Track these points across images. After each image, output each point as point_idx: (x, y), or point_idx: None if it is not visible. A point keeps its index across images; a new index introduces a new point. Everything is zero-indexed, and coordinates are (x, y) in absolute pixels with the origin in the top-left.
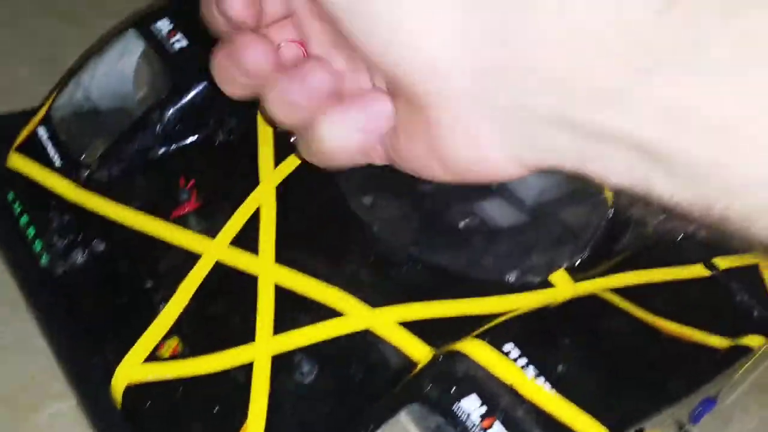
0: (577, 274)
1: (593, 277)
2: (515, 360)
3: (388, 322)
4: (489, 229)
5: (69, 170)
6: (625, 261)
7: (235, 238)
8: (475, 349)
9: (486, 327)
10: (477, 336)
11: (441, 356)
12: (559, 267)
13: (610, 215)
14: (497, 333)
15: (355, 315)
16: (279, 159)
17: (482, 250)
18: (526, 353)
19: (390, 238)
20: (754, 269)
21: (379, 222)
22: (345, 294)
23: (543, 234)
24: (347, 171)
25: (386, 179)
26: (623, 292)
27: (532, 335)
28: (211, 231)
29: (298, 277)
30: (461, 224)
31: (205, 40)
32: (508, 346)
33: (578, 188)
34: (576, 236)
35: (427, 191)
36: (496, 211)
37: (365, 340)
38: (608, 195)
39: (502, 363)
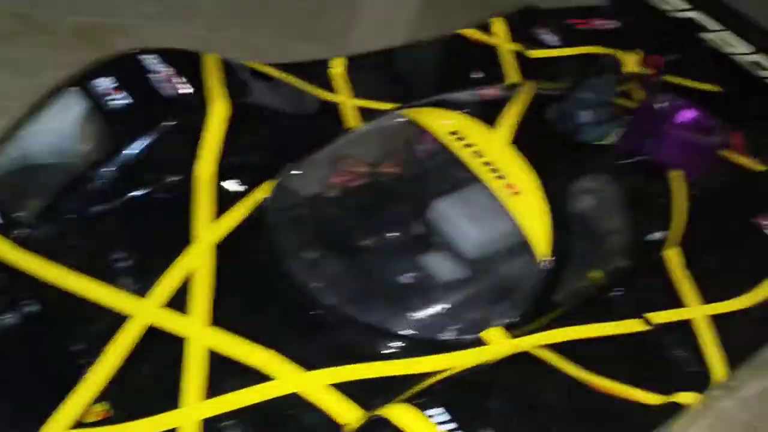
0: (512, 331)
1: (528, 333)
2: (443, 424)
3: (319, 386)
4: (426, 285)
5: (5, 229)
6: (561, 317)
7: (168, 298)
8: (402, 415)
9: (417, 389)
10: (407, 399)
11: (366, 423)
12: (494, 325)
13: (546, 272)
14: (427, 396)
15: (285, 378)
16: (217, 217)
17: (417, 307)
18: (455, 418)
19: (325, 297)
20: (687, 325)
21: (316, 281)
22: (277, 356)
23: (478, 291)
24: (288, 227)
25: (327, 235)
26: (557, 348)
27: (463, 398)
28: (144, 290)
29: (230, 340)
30: (399, 280)
31: (147, 98)
32: (437, 411)
33: (515, 244)
34: (511, 293)
35: (368, 247)
36: (436, 267)
37: (294, 404)
38: (543, 252)
39: (429, 430)
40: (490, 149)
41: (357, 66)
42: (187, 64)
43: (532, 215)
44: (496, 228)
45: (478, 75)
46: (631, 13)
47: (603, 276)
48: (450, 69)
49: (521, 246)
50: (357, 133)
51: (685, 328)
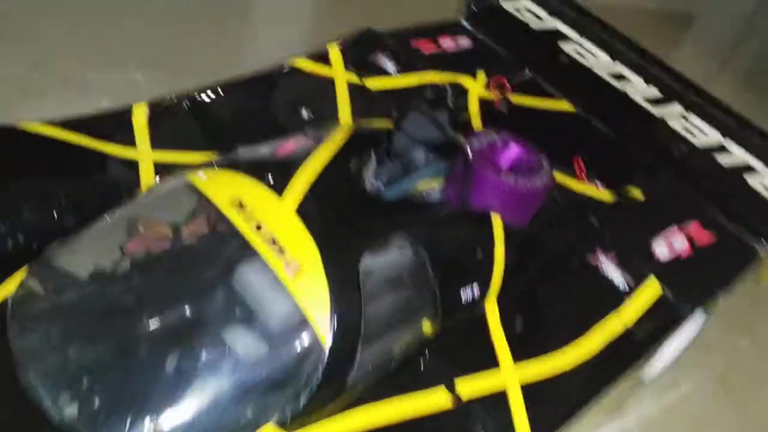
0: (293, 424)
1: (315, 422)
2: None
3: None
4: (188, 388)
5: None
6: (362, 394)
7: None
8: None
9: None
10: None
11: None
12: (272, 420)
13: (330, 357)
14: None
15: None
16: None
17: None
18: None
19: (62, 413)
20: (500, 396)
21: (49, 393)
22: None
23: (252, 387)
24: (29, 327)
25: (71, 336)
26: None
27: None
28: None
29: None
30: (152, 387)
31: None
32: None
33: (295, 330)
34: (290, 383)
35: (117, 346)
36: (199, 367)
37: None
38: (324, 334)
39: None
40: (274, 220)
41: (163, 112)
42: None
43: (313, 295)
44: (273, 315)
45: (306, 113)
46: (488, 27)
47: (407, 345)
48: (279, 106)
49: (302, 331)
50: (132, 204)
51: (496, 398)
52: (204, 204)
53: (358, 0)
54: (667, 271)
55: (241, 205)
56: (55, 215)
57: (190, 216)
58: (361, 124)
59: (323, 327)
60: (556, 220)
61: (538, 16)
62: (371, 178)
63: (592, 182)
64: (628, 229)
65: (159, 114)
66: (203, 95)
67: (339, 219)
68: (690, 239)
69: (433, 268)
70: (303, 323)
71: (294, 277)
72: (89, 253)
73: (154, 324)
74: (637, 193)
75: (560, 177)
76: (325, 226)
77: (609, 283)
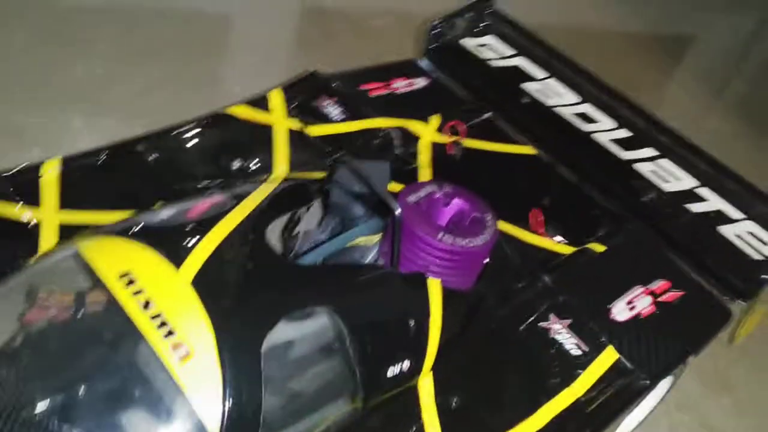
0: None
1: None
2: None
3: None
4: None
5: None
6: None
7: None
8: None
9: None
10: None
11: None
12: None
13: None
14: None
15: None
16: None
17: None
18: None
19: None
20: None
21: None
22: None
23: None
24: None
25: None
26: None
27: None
28: None
29: None
30: None
31: None
32: None
33: (184, 423)
34: None
35: None
36: None
37: None
38: (214, 428)
39: None
40: (166, 296)
41: (78, 168)
42: None
43: (203, 384)
44: (155, 406)
45: (238, 163)
46: (447, 66)
47: (322, 428)
48: (209, 158)
49: (187, 426)
50: (19, 274)
51: None
52: (91, 276)
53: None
54: (625, 334)
55: (130, 280)
56: None
57: (77, 289)
58: (292, 177)
59: (212, 421)
60: (506, 279)
61: (500, 54)
62: (301, 236)
63: (550, 235)
64: (586, 290)
65: (73, 170)
66: (127, 147)
67: (243, 292)
68: (654, 297)
69: (354, 343)
70: (190, 416)
71: (180, 362)
72: None
73: (31, 405)
74: (599, 248)
75: (514, 230)
76: (225, 302)
77: (561, 352)
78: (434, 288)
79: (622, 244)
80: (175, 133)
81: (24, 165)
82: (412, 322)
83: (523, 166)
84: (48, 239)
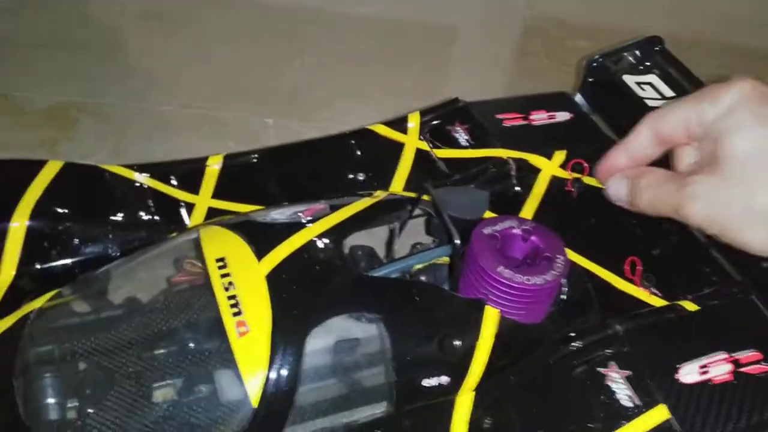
0: None
1: None
2: None
3: None
4: None
5: None
6: None
7: None
8: None
9: None
10: None
11: None
12: None
13: (254, 423)
14: None
15: None
16: None
17: None
18: None
19: None
20: None
21: None
22: None
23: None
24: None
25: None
26: None
27: None
28: None
29: None
30: None
31: None
32: None
33: (232, 390)
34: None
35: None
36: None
37: None
38: (254, 398)
39: None
40: (244, 282)
41: (233, 164)
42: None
43: (253, 359)
44: (215, 368)
45: (363, 176)
46: (600, 101)
47: (353, 426)
48: (343, 168)
49: (233, 388)
50: (148, 252)
51: None
52: (200, 257)
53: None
54: (685, 397)
55: (223, 264)
56: (106, 245)
57: (186, 266)
58: (393, 194)
59: (253, 389)
60: (579, 321)
61: (659, 95)
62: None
63: (646, 286)
64: (657, 346)
65: (230, 166)
66: (281, 151)
67: (304, 291)
68: (736, 366)
69: (396, 350)
70: (236, 381)
71: (240, 338)
72: (123, 286)
73: (131, 360)
74: (691, 307)
75: (606, 274)
76: (287, 296)
77: (612, 400)
78: (490, 315)
79: (719, 307)
80: (320, 143)
81: (195, 157)
82: (458, 342)
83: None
84: (196, 220)
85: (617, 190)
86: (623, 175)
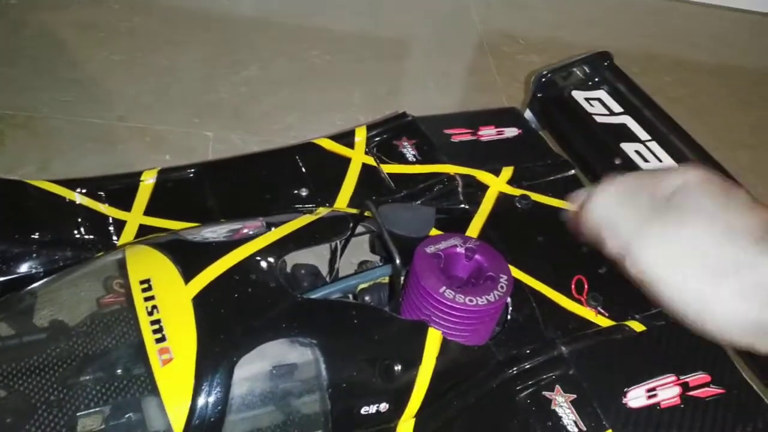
0: None
1: None
2: None
3: None
4: None
5: None
6: None
7: None
8: None
9: None
10: None
11: None
12: None
13: None
14: None
15: None
16: None
17: None
18: None
19: None
20: None
21: None
22: None
23: None
24: None
25: None
26: None
27: None
28: None
29: None
30: None
31: None
32: None
33: (156, 419)
34: None
35: None
36: None
37: None
38: (178, 428)
39: None
40: (169, 306)
41: (168, 179)
42: None
43: (176, 388)
44: (136, 397)
45: (305, 193)
46: (549, 118)
47: None
48: (284, 183)
49: (156, 419)
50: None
51: None
52: (125, 277)
53: None
54: (631, 422)
55: (148, 286)
56: (30, 265)
57: (114, 286)
58: (335, 211)
59: (177, 420)
60: (524, 342)
61: (609, 109)
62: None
63: (593, 306)
64: (604, 369)
65: (165, 181)
66: (216, 166)
67: (234, 315)
68: (684, 389)
69: (331, 377)
70: (161, 411)
71: (164, 366)
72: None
73: (54, 387)
74: (638, 327)
75: (552, 293)
76: (215, 321)
77: (557, 426)
78: (433, 338)
79: (666, 327)
80: (262, 157)
81: (129, 172)
82: (399, 367)
83: None
84: (127, 238)
85: None
86: None
